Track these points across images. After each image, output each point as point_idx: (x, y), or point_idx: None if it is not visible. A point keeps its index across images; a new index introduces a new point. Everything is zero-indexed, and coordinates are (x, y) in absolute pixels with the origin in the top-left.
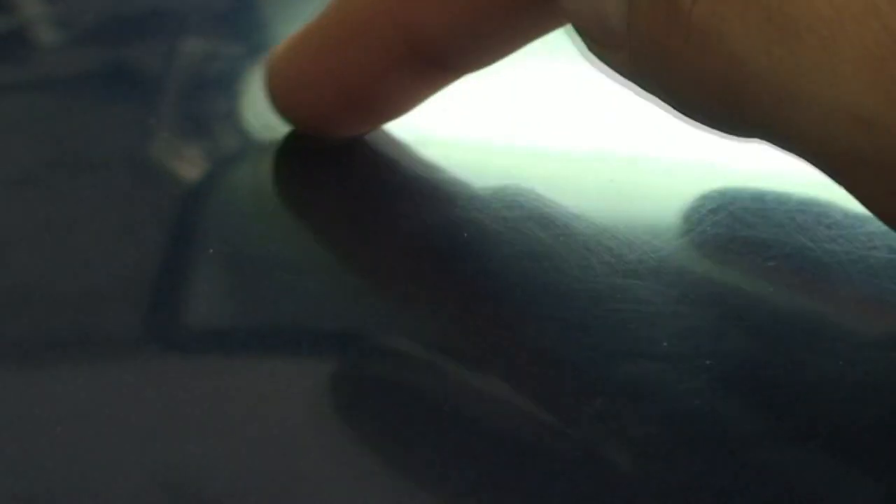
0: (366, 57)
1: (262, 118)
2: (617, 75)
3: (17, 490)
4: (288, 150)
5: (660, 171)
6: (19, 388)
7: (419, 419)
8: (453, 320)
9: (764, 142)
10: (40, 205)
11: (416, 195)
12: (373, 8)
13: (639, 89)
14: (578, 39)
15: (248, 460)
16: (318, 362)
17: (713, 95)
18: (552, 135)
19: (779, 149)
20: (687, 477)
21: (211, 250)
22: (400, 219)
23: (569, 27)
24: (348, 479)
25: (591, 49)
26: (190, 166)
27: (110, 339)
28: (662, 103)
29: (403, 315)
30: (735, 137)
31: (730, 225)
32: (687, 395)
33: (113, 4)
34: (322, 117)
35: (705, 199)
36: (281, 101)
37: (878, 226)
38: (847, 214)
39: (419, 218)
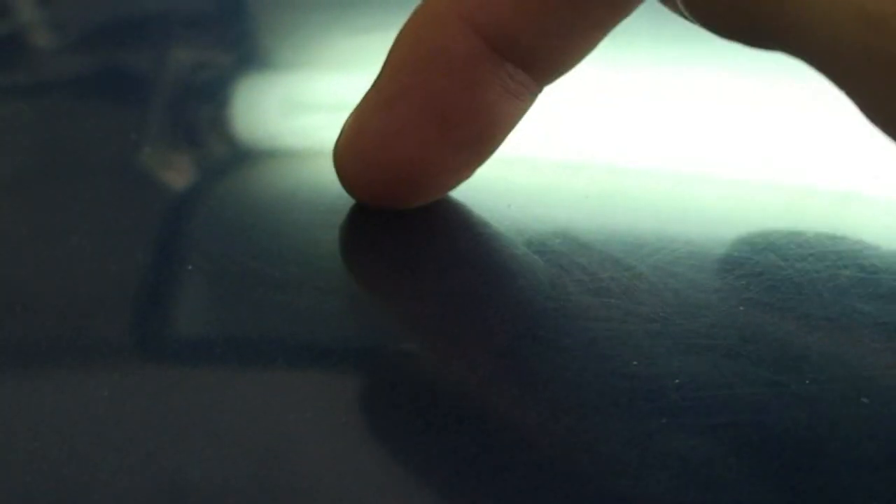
0: (449, 78)
1: (250, 127)
2: None
3: (13, 498)
4: (276, 158)
5: (635, 189)
6: (6, 396)
7: (396, 431)
8: (425, 335)
9: (781, 51)
10: (28, 212)
11: (395, 211)
12: (445, 17)
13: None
14: None
15: (239, 468)
16: (306, 374)
17: (726, 2)
18: (528, 150)
19: (794, 57)
20: (655, 494)
21: (190, 267)
22: (379, 234)
23: None
24: (338, 486)
25: None
26: (178, 174)
27: (96, 347)
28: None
29: (379, 329)
30: (753, 47)
31: (702, 244)
32: (654, 414)
33: (105, 11)
34: (395, 192)
35: (679, 217)
36: (352, 183)
37: (848, 245)
38: (818, 234)
39: (399, 233)
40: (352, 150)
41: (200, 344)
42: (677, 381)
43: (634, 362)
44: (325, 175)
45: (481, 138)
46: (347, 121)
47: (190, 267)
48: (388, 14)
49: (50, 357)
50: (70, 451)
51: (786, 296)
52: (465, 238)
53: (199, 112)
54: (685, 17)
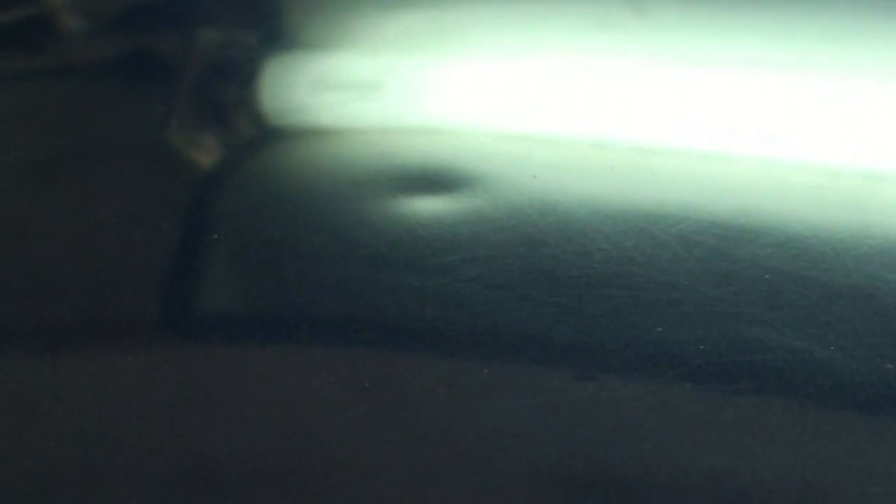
0: None
1: (276, 104)
2: None
3: (38, 471)
4: (302, 135)
5: (659, 160)
6: (40, 372)
7: (421, 401)
8: (451, 304)
9: None
10: (59, 192)
11: (421, 183)
12: None
13: None
14: None
15: (262, 441)
16: (330, 342)
17: None
18: (554, 123)
19: None
20: (679, 460)
21: (216, 236)
22: (405, 206)
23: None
24: (359, 461)
25: None
26: (206, 152)
27: (122, 320)
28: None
29: (404, 301)
30: None
31: (727, 214)
32: (679, 379)
33: None
34: None
35: (703, 188)
36: None
37: (872, 217)
38: (843, 205)
39: (424, 205)
40: None
41: (225, 314)
42: (701, 347)
43: (658, 329)
44: (348, 151)
45: None
46: None
47: (216, 236)
48: None
49: (78, 330)
50: (97, 422)
51: (810, 264)
52: (490, 209)
53: (227, 91)
54: None
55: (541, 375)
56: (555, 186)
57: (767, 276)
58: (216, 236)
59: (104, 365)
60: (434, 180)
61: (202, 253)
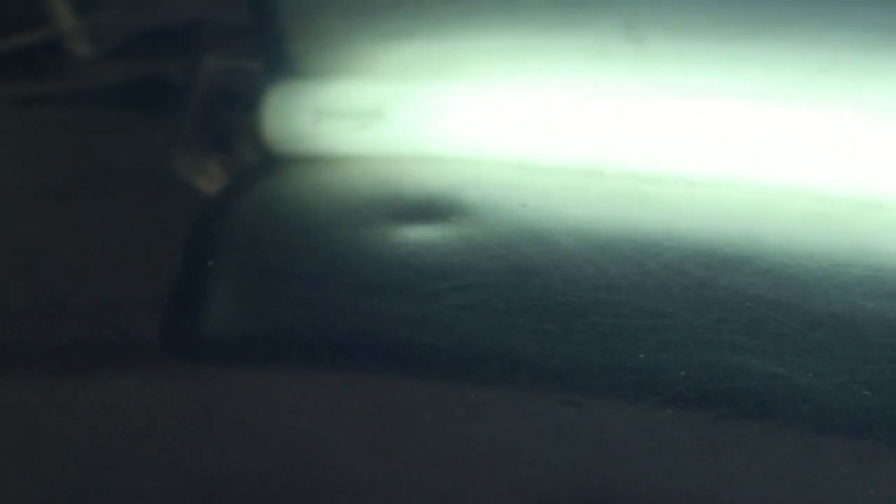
0: None
1: (279, 133)
2: None
3: (42, 491)
4: (303, 164)
5: (647, 189)
6: (44, 394)
7: (410, 424)
8: (440, 331)
9: None
10: (65, 216)
11: (414, 211)
12: None
13: None
14: None
15: (255, 461)
16: (326, 366)
17: None
18: (546, 152)
19: None
20: (659, 482)
21: (211, 263)
22: (398, 234)
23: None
24: (348, 481)
25: None
26: (209, 179)
27: (123, 343)
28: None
29: (395, 326)
30: None
31: (711, 243)
32: (660, 405)
33: (140, 20)
34: None
35: (688, 218)
36: None
37: (854, 245)
38: (825, 234)
39: (416, 233)
40: None
41: (222, 338)
42: (683, 373)
43: (641, 355)
44: (344, 178)
45: None
46: None
47: (211, 263)
48: (416, 20)
49: (82, 352)
50: (99, 444)
51: (792, 293)
52: (481, 237)
53: (230, 117)
54: None
55: (527, 400)
56: (544, 215)
57: (749, 304)
58: (211, 263)
59: (106, 386)
60: (426, 208)
61: (202, 278)
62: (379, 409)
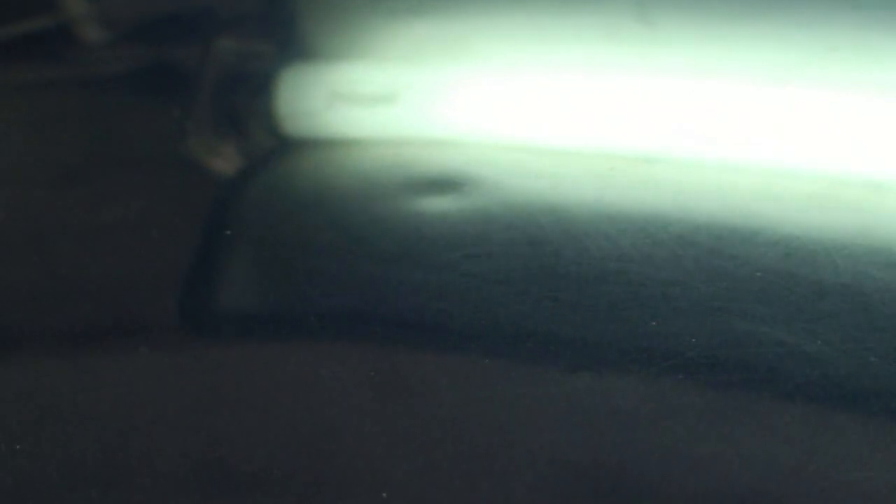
0: None
1: (293, 116)
2: None
3: (59, 470)
4: (317, 146)
5: (658, 165)
6: (64, 374)
7: (424, 390)
8: (454, 299)
9: None
10: (82, 201)
11: (428, 185)
12: None
13: None
14: None
15: (283, 438)
16: (340, 336)
17: None
18: (556, 126)
19: None
20: (669, 445)
21: (229, 232)
22: (412, 206)
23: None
24: (364, 447)
25: None
26: (223, 162)
27: (148, 325)
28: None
29: (410, 295)
30: None
31: (722, 215)
32: (671, 371)
33: (152, 4)
34: None
35: (700, 191)
36: None
37: (864, 218)
38: (835, 208)
39: (430, 204)
40: None
41: (239, 311)
42: (693, 340)
43: (653, 322)
44: (359, 155)
45: None
46: None
47: (229, 232)
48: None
49: (99, 330)
50: (116, 420)
51: (801, 263)
52: (494, 207)
53: (245, 101)
54: None
55: (540, 366)
56: (557, 187)
57: (759, 274)
58: (229, 232)
59: (124, 364)
60: (440, 182)
61: (217, 253)
62: (395, 377)
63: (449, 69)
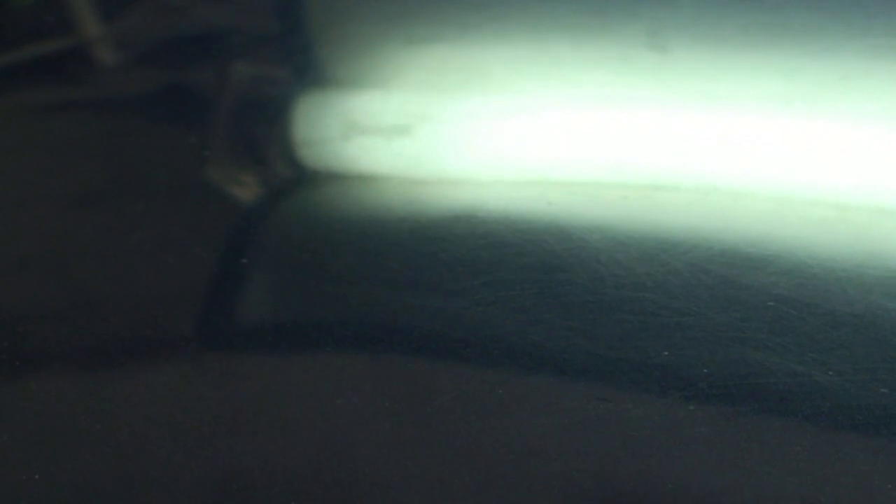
0: None
1: (308, 141)
2: None
3: (76, 484)
4: (331, 169)
5: (671, 189)
6: (80, 391)
7: (439, 418)
8: (470, 327)
9: None
10: (97, 220)
11: (441, 210)
12: None
13: None
14: None
15: (289, 455)
16: (355, 361)
17: None
18: (571, 152)
19: None
20: (683, 477)
21: (245, 260)
22: (429, 233)
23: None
24: (380, 472)
25: None
26: (238, 186)
27: (165, 344)
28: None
29: (426, 322)
30: None
31: (736, 243)
32: (683, 402)
33: (168, 27)
34: None
35: (714, 218)
36: None
37: (875, 247)
38: (847, 237)
39: (443, 230)
40: None
41: (256, 334)
42: (706, 370)
43: (666, 353)
44: (375, 181)
45: None
46: None
47: (245, 261)
48: (443, 25)
49: (115, 350)
50: (130, 439)
51: (813, 292)
52: (507, 234)
53: (260, 128)
54: None
55: (554, 395)
56: (571, 214)
57: (771, 304)
58: (245, 261)
59: (142, 387)
60: (455, 209)
61: (233, 277)
62: (409, 403)
63: (464, 98)
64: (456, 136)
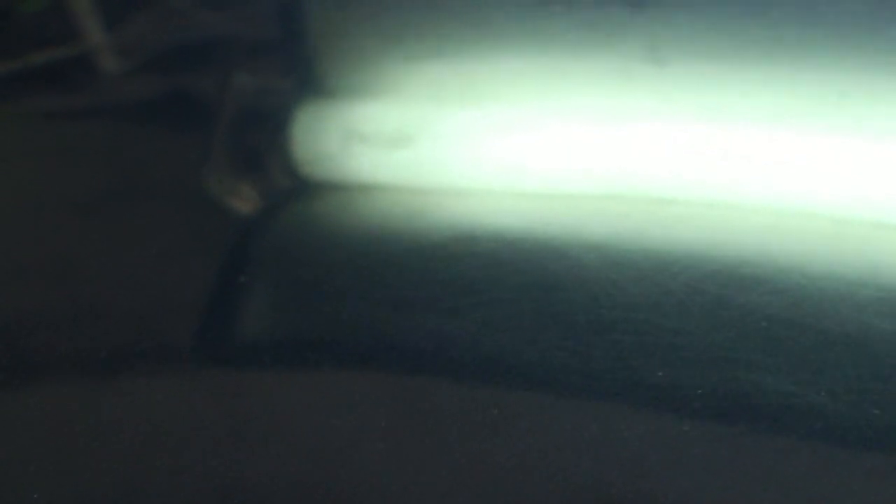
0: None
1: (309, 151)
2: None
3: (78, 495)
4: (331, 182)
5: (668, 209)
6: (80, 401)
7: (434, 437)
8: (466, 346)
9: None
10: (98, 230)
11: (441, 230)
12: None
13: None
14: None
15: (288, 468)
16: (352, 378)
17: None
18: (569, 172)
19: None
20: (676, 495)
21: (243, 278)
22: (426, 251)
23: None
24: (376, 492)
25: None
26: (239, 197)
27: (154, 353)
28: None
29: (422, 342)
30: None
31: (729, 263)
32: (677, 421)
33: (171, 36)
34: None
35: (708, 239)
36: None
37: (868, 267)
38: (840, 256)
39: (441, 249)
40: None
41: (255, 349)
42: (700, 391)
43: (660, 373)
44: (373, 196)
45: None
46: None
47: (243, 279)
48: (444, 38)
49: (116, 361)
50: (129, 450)
51: (806, 312)
52: (504, 253)
53: (261, 135)
54: None
55: (549, 415)
56: (567, 233)
57: (765, 324)
58: (243, 279)
59: (143, 398)
60: (452, 226)
61: (233, 290)
62: (405, 423)
63: (464, 111)
64: (455, 149)
